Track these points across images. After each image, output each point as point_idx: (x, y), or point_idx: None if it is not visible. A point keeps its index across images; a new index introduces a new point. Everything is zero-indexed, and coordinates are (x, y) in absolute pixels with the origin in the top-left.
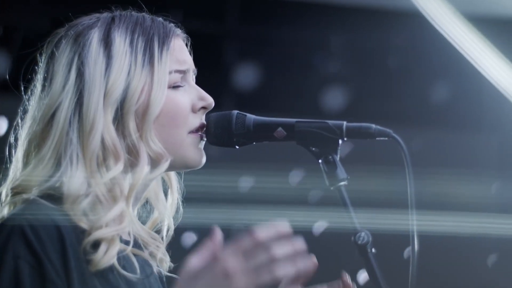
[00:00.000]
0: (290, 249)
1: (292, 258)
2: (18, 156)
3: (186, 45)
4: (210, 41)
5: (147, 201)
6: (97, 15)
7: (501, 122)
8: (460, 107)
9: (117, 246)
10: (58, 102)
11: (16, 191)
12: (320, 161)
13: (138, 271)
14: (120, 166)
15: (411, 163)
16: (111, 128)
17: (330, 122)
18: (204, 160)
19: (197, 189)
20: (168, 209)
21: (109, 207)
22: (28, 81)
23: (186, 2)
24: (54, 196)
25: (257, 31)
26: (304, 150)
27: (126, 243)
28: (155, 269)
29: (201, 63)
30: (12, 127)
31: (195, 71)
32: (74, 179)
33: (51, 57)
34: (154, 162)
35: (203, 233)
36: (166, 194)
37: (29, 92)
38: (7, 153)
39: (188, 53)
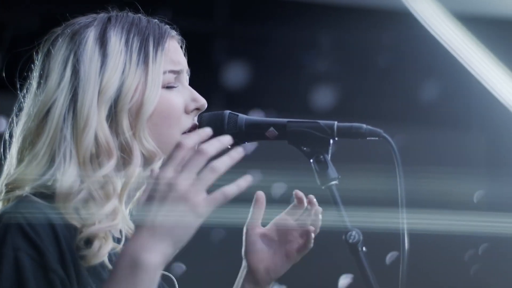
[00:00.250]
0: (219, 144)
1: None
2: (12, 152)
3: (181, 47)
4: (200, 40)
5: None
6: (94, 15)
7: (489, 120)
8: (449, 106)
9: (110, 243)
10: (53, 99)
11: (10, 187)
12: (311, 160)
13: None
14: (112, 163)
15: (401, 162)
16: (105, 126)
17: (322, 122)
18: None
19: None
20: None
21: (102, 204)
22: (24, 79)
23: (175, 0)
24: (47, 194)
25: (247, 30)
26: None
27: (118, 241)
28: None
29: (190, 62)
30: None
31: (189, 72)
32: (67, 175)
33: (47, 55)
34: (147, 161)
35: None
36: None
37: (25, 90)
38: (2, 150)
39: (182, 55)
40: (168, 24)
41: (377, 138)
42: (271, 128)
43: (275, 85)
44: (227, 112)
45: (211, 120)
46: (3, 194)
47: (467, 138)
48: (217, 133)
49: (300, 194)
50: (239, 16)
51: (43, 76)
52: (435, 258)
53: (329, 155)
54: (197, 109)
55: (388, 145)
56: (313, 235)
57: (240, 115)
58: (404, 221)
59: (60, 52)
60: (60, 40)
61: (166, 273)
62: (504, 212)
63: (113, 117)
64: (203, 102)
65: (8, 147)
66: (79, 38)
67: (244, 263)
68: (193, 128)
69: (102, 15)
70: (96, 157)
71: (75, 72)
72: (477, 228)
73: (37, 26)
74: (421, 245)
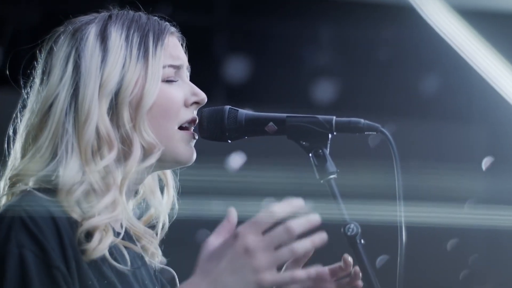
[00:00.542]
0: (307, 225)
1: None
2: (16, 147)
3: (182, 44)
4: (200, 34)
5: (144, 199)
6: (95, 13)
7: (491, 114)
8: (450, 99)
9: (111, 236)
10: (55, 94)
11: (14, 181)
12: (310, 155)
13: (129, 263)
14: (113, 155)
15: (400, 156)
16: (106, 118)
17: (320, 117)
18: (194, 157)
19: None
20: (164, 206)
21: (102, 195)
22: (28, 77)
23: None
24: (49, 189)
25: (247, 24)
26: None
27: (118, 235)
28: (147, 261)
29: (190, 56)
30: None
31: (189, 68)
32: (69, 167)
33: (50, 52)
34: (147, 152)
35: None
36: (162, 192)
37: (28, 87)
38: (6, 146)
39: (182, 51)
40: (168, 21)
41: (375, 133)
42: (271, 123)
43: (275, 79)
44: (227, 107)
45: (211, 115)
46: (7, 188)
47: (469, 132)
48: (217, 128)
49: (349, 261)
50: (239, 9)
51: (46, 73)
52: (433, 251)
53: (328, 150)
54: (197, 103)
55: (386, 139)
56: None
57: (240, 110)
58: (402, 214)
59: (62, 49)
60: (62, 37)
61: (167, 267)
62: (505, 205)
63: (113, 110)
64: (203, 96)
65: (12, 143)
66: (80, 35)
67: None
68: (193, 121)
69: (103, 13)
70: (97, 149)
71: (77, 68)
72: (479, 221)
73: (38, 21)
74: (421, 238)
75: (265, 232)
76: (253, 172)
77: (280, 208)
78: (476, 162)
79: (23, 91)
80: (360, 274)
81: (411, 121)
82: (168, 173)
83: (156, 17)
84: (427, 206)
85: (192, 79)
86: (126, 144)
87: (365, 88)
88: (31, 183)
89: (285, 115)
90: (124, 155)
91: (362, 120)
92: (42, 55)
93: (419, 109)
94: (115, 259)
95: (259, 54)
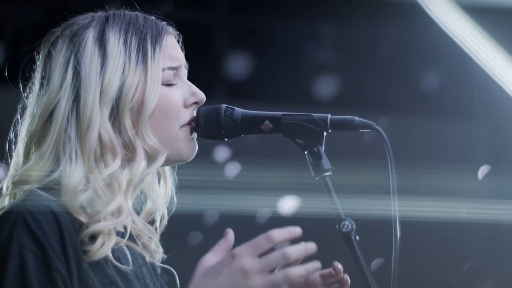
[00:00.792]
0: (303, 252)
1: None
2: (18, 151)
3: (178, 41)
4: (201, 31)
5: (141, 192)
6: (92, 14)
7: (493, 109)
8: (451, 95)
9: (114, 239)
10: (56, 100)
11: (16, 185)
12: (305, 152)
13: (131, 262)
14: (118, 162)
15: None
16: (108, 125)
17: (315, 114)
18: (196, 151)
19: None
20: (162, 200)
21: (108, 201)
22: (27, 79)
23: None
24: (53, 190)
25: (248, 21)
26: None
27: (121, 235)
28: (147, 259)
29: (191, 53)
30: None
31: (187, 66)
32: (73, 175)
33: (48, 56)
34: (151, 157)
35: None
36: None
37: (28, 90)
38: (7, 149)
39: (180, 50)
40: (165, 20)
41: (369, 131)
42: (266, 121)
43: (277, 76)
44: (224, 106)
45: (208, 114)
46: (10, 188)
47: (470, 127)
48: (213, 126)
49: (339, 268)
50: (241, 7)
51: (45, 78)
52: (434, 247)
53: (323, 147)
54: (196, 103)
55: (380, 137)
56: None
57: (236, 108)
58: (396, 212)
59: (60, 54)
60: (60, 41)
61: (167, 266)
62: (506, 199)
63: (115, 116)
64: (201, 96)
65: (14, 145)
66: (79, 40)
67: None
68: (192, 121)
69: (100, 14)
70: (101, 156)
71: (76, 74)
72: (479, 216)
73: (38, 19)
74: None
75: (262, 255)
76: (250, 171)
77: (279, 234)
78: (479, 158)
79: (22, 93)
80: (349, 281)
81: (413, 117)
82: (166, 167)
83: (153, 17)
84: (428, 201)
85: (194, 76)
86: (129, 149)
87: (366, 84)
88: (34, 185)
89: (280, 113)
90: (127, 160)
91: (356, 118)
92: (40, 58)
93: (421, 105)
94: (117, 258)
95: (261, 51)
